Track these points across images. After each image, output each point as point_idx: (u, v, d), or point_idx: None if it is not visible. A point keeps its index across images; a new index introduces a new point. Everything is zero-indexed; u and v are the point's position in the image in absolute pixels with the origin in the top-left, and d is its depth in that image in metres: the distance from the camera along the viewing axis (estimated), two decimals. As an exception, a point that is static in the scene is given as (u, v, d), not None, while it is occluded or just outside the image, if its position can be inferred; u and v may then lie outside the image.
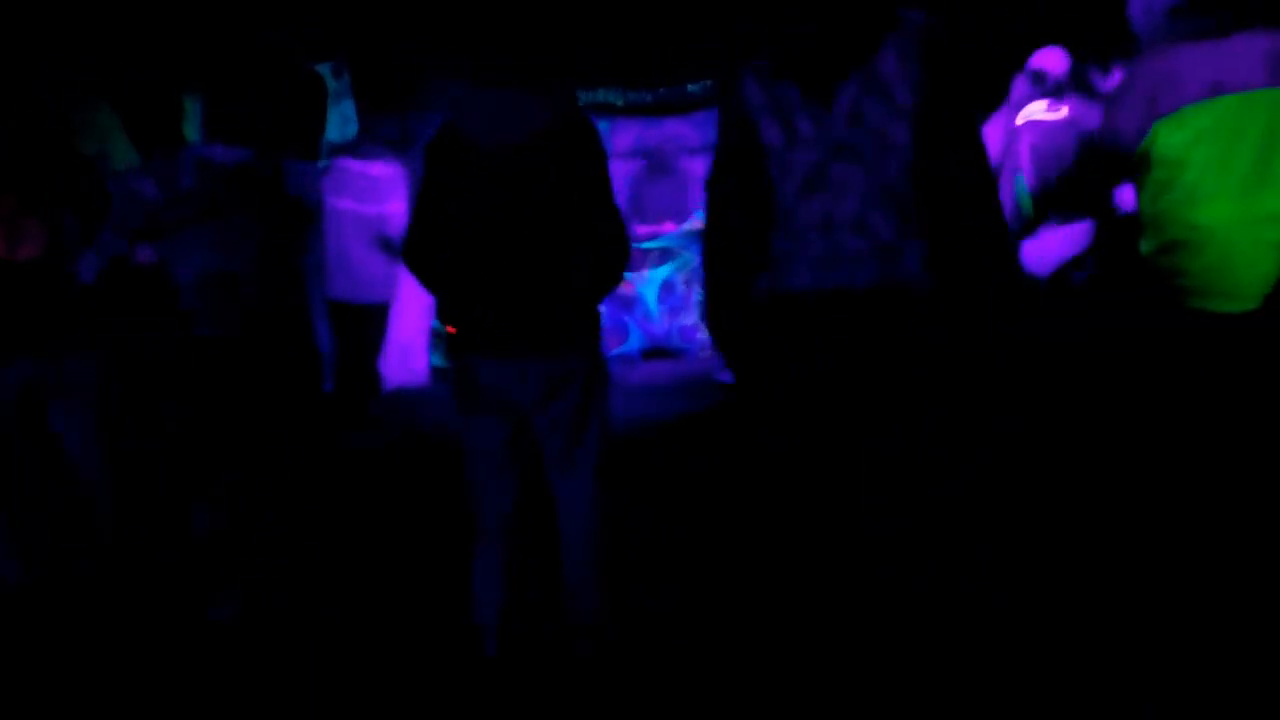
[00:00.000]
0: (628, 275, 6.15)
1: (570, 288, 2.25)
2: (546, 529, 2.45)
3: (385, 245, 4.18)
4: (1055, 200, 3.68)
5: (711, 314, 2.02)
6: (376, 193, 4.18)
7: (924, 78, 1.78)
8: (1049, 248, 3.77)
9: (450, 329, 2.37)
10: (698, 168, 6.38)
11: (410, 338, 4.71)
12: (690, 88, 6.36)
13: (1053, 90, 3.88)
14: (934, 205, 1.81)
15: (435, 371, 5.21)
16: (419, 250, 2.30)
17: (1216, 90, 2.53)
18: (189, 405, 3.01)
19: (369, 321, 4.36)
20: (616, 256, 2.30)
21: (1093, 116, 3.71)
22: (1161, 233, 2.68)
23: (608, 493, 2.39)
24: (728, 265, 1.97)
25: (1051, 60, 4.13)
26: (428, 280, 2.34)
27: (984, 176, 1.86)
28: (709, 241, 2.00)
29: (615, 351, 6.37)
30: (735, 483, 2.17)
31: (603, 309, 2.41)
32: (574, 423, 2.31)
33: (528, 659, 2.44)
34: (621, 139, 6.40)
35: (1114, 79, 3.87)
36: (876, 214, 1.82)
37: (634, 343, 6.64)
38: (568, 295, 2.25)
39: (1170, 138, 2.60)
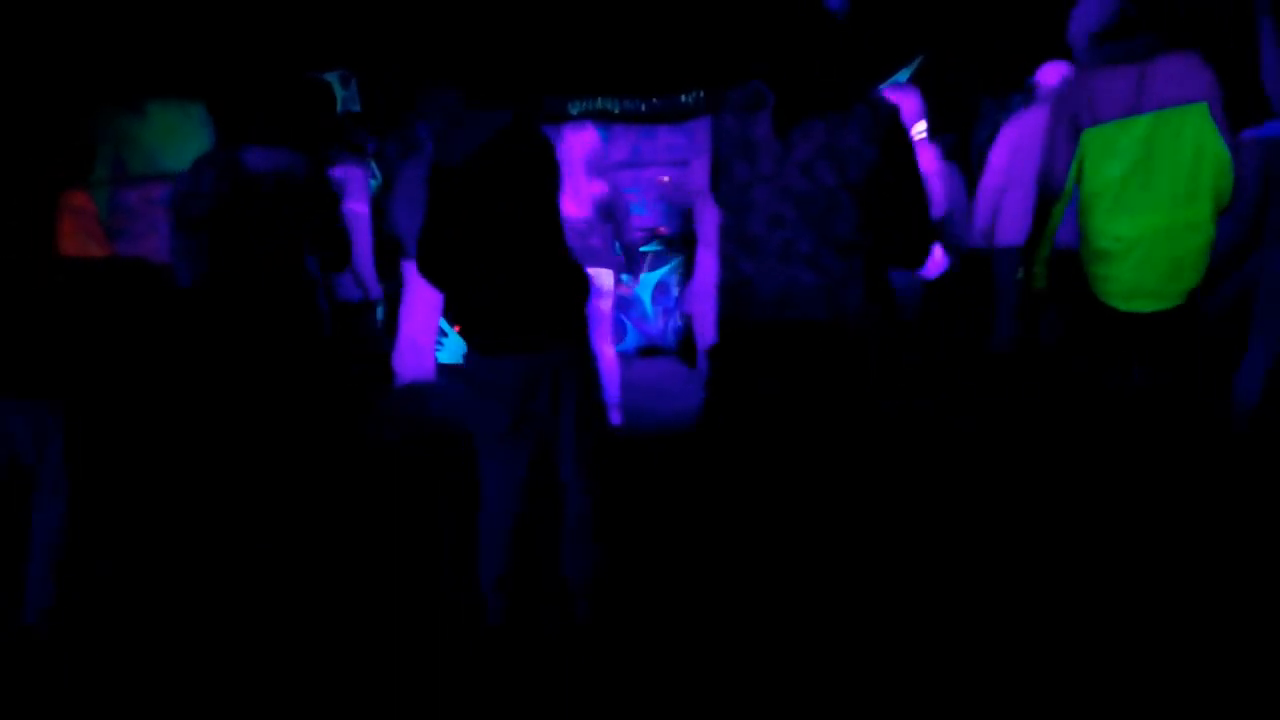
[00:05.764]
0: (624, 278, 6.40)
1: (542, 292, 2.46)
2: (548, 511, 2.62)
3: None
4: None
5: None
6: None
7: (880, 159, 2.08)
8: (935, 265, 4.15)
9: (456, 327, 2.60)
10: (689, 176, 6.66)
11: (419, 334, 4.92)
12: (683, 98, 6.61)
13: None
14: (878, 249, 2.14)
15: (441, 367, 5.44)
16: (425, 254, 2.53)
17: (1134, 110, 2.72)
18: (197, 404, 3.10)
19: (348, 318, 4.57)
20: (573, 279, 2.51)
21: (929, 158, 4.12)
22: (1090, 242, 2.87)
23: (601, 473, 2.58)
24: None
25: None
26: (435, 281, 2.57)
27: (918, 246, 2.20)
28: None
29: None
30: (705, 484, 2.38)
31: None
32: (558, 410, 2.51)
33: (527, 629, 2.60)
34: (618, 149, 6.65)
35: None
36: (828, 253, 2.11)
37: (630, 341, 6.88)
38: (540, 298, 2.46)
39: (1093, 156, 2.78)
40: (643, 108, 6.61)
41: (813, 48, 2.12)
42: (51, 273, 2.71)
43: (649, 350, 6.86)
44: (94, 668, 2.58)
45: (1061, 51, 4.35)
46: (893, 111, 2.12)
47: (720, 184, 2.24)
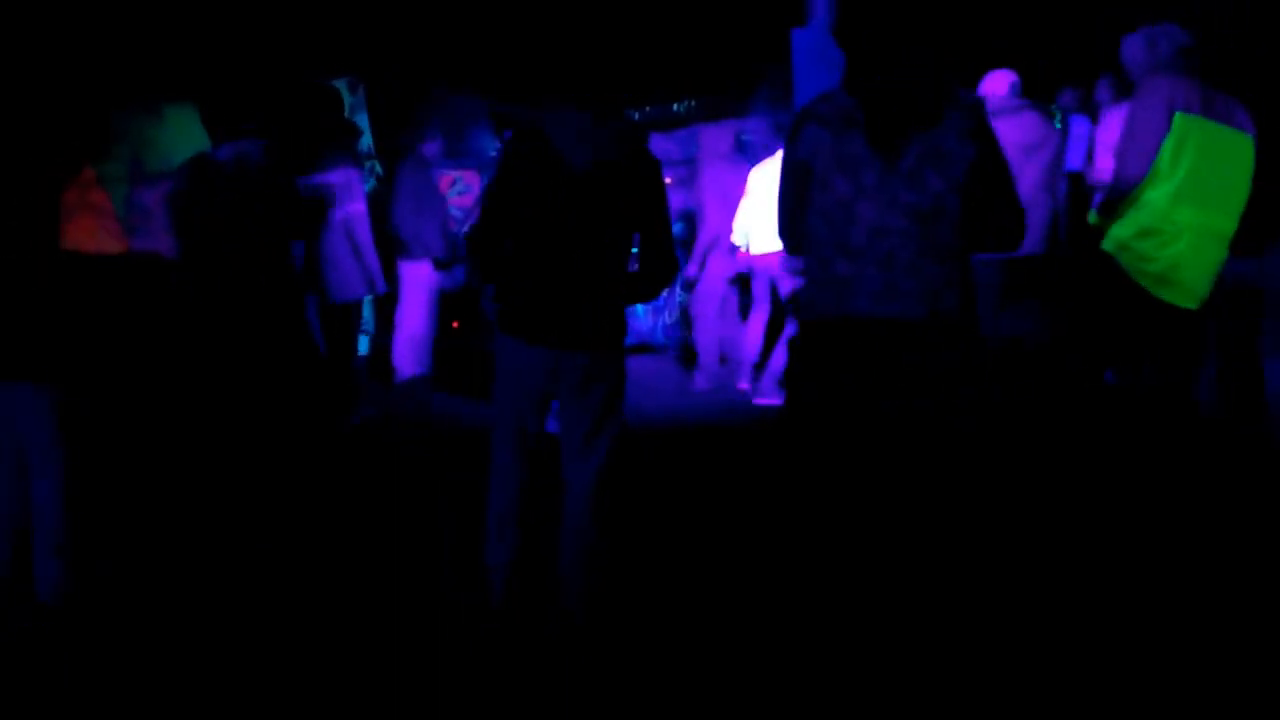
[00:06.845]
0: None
1: (613, 297, 2.55)
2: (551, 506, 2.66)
3: (352, 246, 4.62)
4: None
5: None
6: (336, 198, 4.57)
7: (978, 157, 2.15)
8: None
9: (455, 324, 2.73)
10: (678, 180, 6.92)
11: (418, 331, 5.10)
12: (675, 107, 6.85)
13: None
14: (977, 239, 2.24)
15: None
16: (481, 240, 2.57)
17: (1207, 113, 2.98)
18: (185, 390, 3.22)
19: (346, 318, 4.81)
20: (660, 281, 2.64)
21: None
22: (1142, 218, 3.05)
23: (617, 480, 2.61)
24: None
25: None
26: (483, 268, 2.63)
27: (1020, 226, 2.28)
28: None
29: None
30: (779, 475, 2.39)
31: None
32: (600, 412, 2.56)
33: (527, 619, 2.62)
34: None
35: None
36: (928, 261, 2.16)
37: (619, 339, 7.12)
38: (609, 302, 2.54)
39: (1175, 140, 2.98)
40: (636, 117, 6.85)
41: (902, 62, 2.18)
42: (54, 262, 2.78)
43: (637, 348, 7.09)
44: (95, 662, 2.58)
45: (1052, 52, 4.56)
46: (978, 104, 2.20)
47: (815, 196, 2.23)
